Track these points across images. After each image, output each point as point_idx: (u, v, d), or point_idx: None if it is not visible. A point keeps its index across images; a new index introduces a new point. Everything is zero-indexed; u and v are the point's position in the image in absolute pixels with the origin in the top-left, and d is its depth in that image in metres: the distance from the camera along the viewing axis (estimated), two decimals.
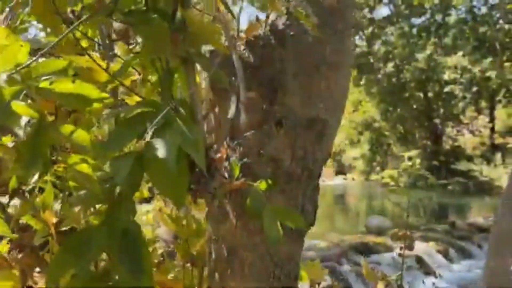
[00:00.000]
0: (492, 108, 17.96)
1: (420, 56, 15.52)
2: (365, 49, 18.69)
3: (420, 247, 7.66)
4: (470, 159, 15.54)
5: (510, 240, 2.42)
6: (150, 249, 1.12)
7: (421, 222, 11.05)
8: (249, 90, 0.85)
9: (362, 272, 4.95)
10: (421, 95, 18.23)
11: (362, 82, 19.27)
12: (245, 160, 0.83)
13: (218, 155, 0.82)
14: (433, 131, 19.14)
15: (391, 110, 19.16)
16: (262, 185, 0.80)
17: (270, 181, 0.81)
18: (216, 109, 0.88)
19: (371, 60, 17.86)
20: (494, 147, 15.58)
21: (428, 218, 11.97)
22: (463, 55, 14.27)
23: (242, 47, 0.88)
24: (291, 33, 0.86)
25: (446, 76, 14.91)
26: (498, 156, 14.09)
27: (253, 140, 0.83)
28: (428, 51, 15.28)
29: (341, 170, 30.51)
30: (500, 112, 22.41)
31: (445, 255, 7.38)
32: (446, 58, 15.12)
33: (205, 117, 0.79)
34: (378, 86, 18.05)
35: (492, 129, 17.06)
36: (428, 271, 6.81)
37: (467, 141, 22.99)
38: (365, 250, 7.28)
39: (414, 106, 19.23)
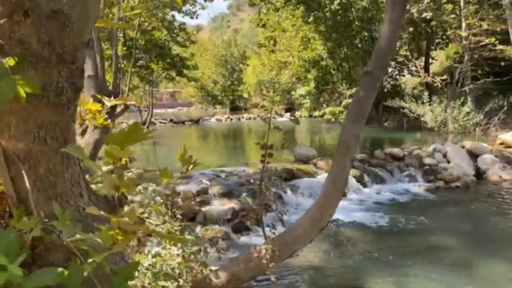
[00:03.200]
0: (428, 49, 18.76)
1: None
2: None
3: None
4: (403, 97, 16.51)
5: (347, 149, 2.88)
6: None
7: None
8: None
9: (281, 194, 5.55)
10: (366, 34, 18.62)
11: (310, 20, 19.26)
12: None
13: None
14: None
15: (337, 49, 19.52)
16: (10, 61, 1.04)
17: (18, 59, 1.05)
18: None
19: None
20: (427, 87, 16.60)
21: (360, 150, 12.93)
22: None
23: None
24: None
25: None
26: (426, 94, 15.10)
27: (5, 26, 1.06)
28: None
29: (291, 108, 31.34)
30: (440, 54, 23.48)
31: (360, 180, 8.17)
32: None
33: None
34: (324, 24, 18.16)
35: (426, 70, 17.99)
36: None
37: (408, 81, 24.17)
38: (289, 175, 7.89)
39: (360, 45, 19.70)
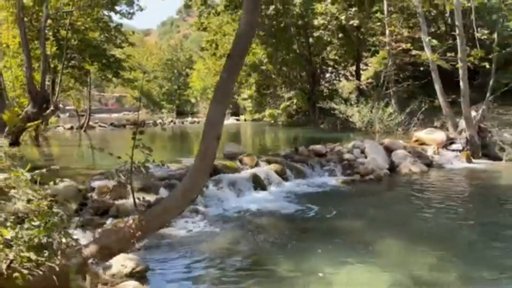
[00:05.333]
0: (359, 55, 19.86)
1: (297, 1, 16.28)
2: None
3: (262, 168, 8.73)
4: (333, 100, 17.31)
5: (213, 127, 3.11)
6: None
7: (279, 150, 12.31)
8: None
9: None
10: (303, 40, 19.31)
11: None
12: None
13: None
14: (312, 74, 20.68)
15: (275, 53, 20.08)
16: None
17: None
18: None
19: None
20: (359, 91, 17.55)
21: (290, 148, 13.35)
22: (332, 3, 15.37)
23: None
24: None
25: (316, 22, 16.00)
26: (354, 96, 16.00)
27: None
28: None
29: (236, 112, 31.67)
30: (373, 60, 24.94)
31: (282, 174, 8.51)
32: (317, 4, 16.14)
33: None
34: (262, 29, 18.64)
35: (358, 75, 19.03)
36: (262, 186, 7.88)
37: (345, 85, 25.38)
38: (214, 171, 8.04)
39: (297, 51, 20.39)
